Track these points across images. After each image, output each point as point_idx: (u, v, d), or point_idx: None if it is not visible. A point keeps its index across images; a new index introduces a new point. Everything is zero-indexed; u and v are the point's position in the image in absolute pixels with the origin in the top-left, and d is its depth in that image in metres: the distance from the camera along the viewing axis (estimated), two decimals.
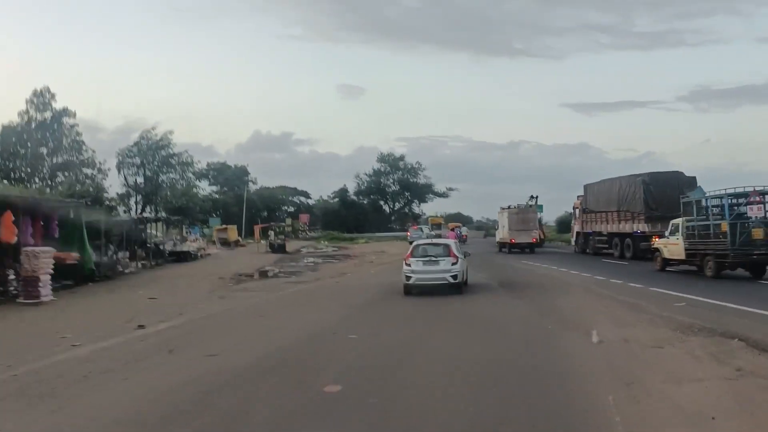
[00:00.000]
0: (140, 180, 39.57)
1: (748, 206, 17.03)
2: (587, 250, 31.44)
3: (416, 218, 79.24)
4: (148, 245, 34.16)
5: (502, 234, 35.76)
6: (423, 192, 74.90)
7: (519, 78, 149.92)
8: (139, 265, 27.81)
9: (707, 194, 18.81)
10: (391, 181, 76.09)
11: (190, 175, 40.81)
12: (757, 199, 16.96)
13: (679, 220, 19.71)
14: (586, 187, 32.13)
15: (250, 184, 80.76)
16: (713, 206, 18.30)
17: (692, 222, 18.80)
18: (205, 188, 75.48)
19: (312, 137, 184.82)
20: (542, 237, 38.12)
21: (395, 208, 77.68)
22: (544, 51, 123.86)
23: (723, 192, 17.73)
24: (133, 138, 59.21)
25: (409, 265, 15.43)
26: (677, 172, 25.20)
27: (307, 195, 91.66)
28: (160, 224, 36.35)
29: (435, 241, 18.83)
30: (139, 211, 39.80)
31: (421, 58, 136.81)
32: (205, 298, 16.52)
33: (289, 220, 47.34)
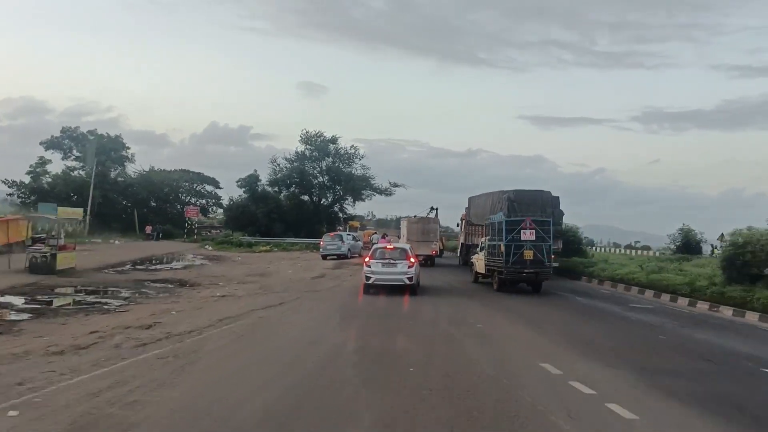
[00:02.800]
0: None
1: (522, 231, 18.83)
2: (469, 262, 29.33)
3: (348, 220, 61.05)
4: None
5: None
6: (359, 187, 56.67)
7: (480, 87, 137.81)
8: None
9: (501, 218, 19.95)
10: (318, 170, 57.54)
11: None
12: (530, 225, 18.86)
13: (484, 239, 22.21)
14: (469, 199, 31.90)
15: (127, 163, 60.56)
16: (500, 229, 19.56)
17: (490, 241, 20.71)
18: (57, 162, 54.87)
19: (270, 132, 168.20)
20: (441, 248, 36.71)
21: (320, 203, 59.06)
22: (506, 63, 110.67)
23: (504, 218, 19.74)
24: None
25: (369, 266, 16.96)
26: (542, 191, 25.24)
27: (216, 183, 72.11)
28: None
29: (393, 245, 19.05)
30: None
31: (385, 60, 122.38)
32: None
33: (75, 211, 28.34)
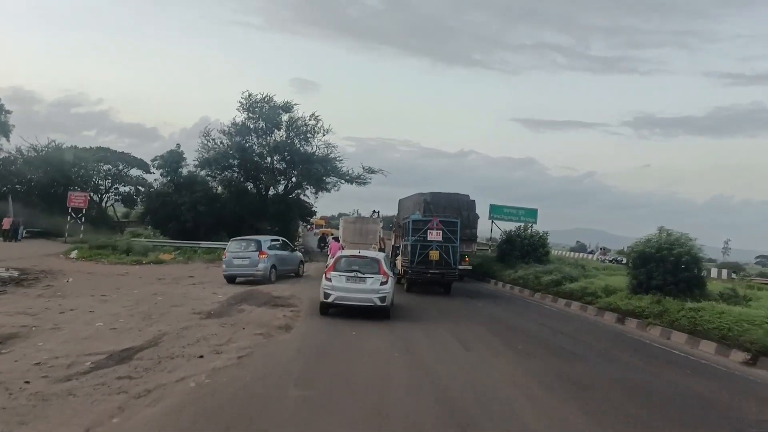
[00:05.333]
0: None
1: (428, 231, 19.03)
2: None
3: (307, 217, 46.29)
4: None
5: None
6: (321, 171, 41.63)
7: (473, 89, 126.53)
8: None
9: (410, 218, 20.14)
10: (267, 148, 42.43)
11: None
12: (437, 225, 19.05)
13: (402, 240, 22.41)
14: (399, 202, 30.91)
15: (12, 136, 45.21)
16: (408, 229, 19.79)
17: (404, 242, 21.02)
18: None
19: None
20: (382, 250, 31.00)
21: (268, 192, 44.04)
22: (500, 65, 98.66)
23: (418, 217, 20.13)
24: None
25: (329, 279, 13.59)
26: (458, 194, 25.22)
27: (145, 167, 56.72)
28: None
29: (363, 253, 15.07)
30: None
31: (379, 59, 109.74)
32: None
33: None
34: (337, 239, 29.23)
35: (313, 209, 47.53)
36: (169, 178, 41.54)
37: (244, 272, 20.00)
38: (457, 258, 19.53)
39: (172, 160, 40.93)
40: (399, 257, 21.71)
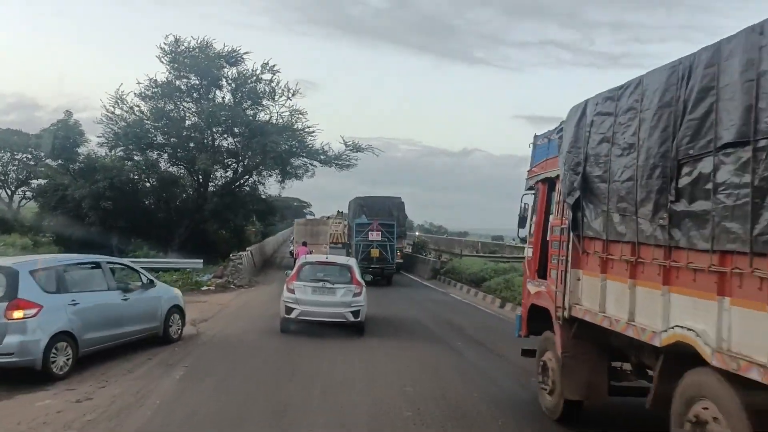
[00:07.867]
0: None
1: (370, 231, 22.06)
2: None
3: (269, 212, 34.11)
4: None
5: (292, 247, 30.12)
6: (282, 146, 28.94)
7: (476, 86, 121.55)
8: None
9: (355, 220, 23.89)
10: (202, 116, 29.74)
11: None
12: (377, 227, 22.21)
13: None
14: (348, 203, 30.74)
15: None
16: (354, 230, 23.35)
17: (351, 240, 23.92)
18: None
19: None
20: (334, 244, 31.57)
21: (209, 181, 31.28)
22: (504, 62, 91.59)
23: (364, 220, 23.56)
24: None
25: (292, 291, 11.38)
26: (390, 197, 27.67)
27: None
28: None
29: (332, 259, 13.13)
30: None
31: (381, 58, 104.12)
32: None
33: None
34: (305, 243, 23.68)
35: (309, 209, 36.36)
36: (60, 162, 29.01)
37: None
38: (394, 255, 22.81)
39: (62, 136, 28.22)
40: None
